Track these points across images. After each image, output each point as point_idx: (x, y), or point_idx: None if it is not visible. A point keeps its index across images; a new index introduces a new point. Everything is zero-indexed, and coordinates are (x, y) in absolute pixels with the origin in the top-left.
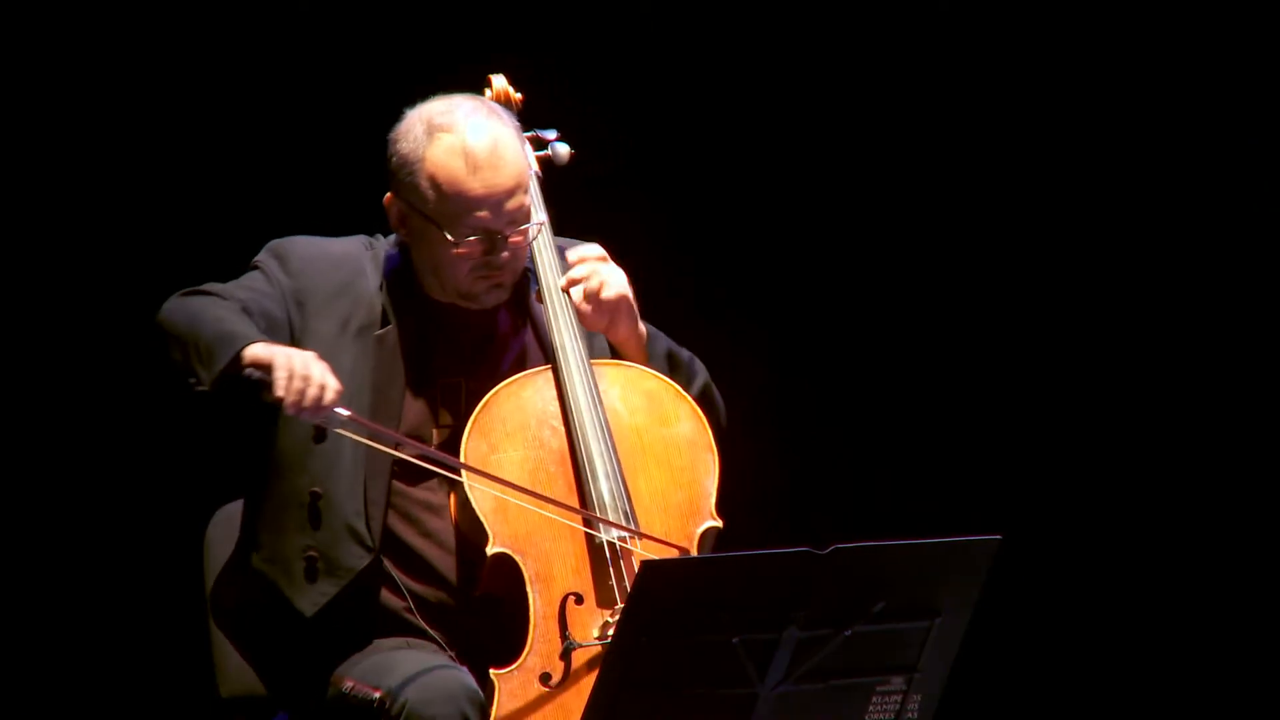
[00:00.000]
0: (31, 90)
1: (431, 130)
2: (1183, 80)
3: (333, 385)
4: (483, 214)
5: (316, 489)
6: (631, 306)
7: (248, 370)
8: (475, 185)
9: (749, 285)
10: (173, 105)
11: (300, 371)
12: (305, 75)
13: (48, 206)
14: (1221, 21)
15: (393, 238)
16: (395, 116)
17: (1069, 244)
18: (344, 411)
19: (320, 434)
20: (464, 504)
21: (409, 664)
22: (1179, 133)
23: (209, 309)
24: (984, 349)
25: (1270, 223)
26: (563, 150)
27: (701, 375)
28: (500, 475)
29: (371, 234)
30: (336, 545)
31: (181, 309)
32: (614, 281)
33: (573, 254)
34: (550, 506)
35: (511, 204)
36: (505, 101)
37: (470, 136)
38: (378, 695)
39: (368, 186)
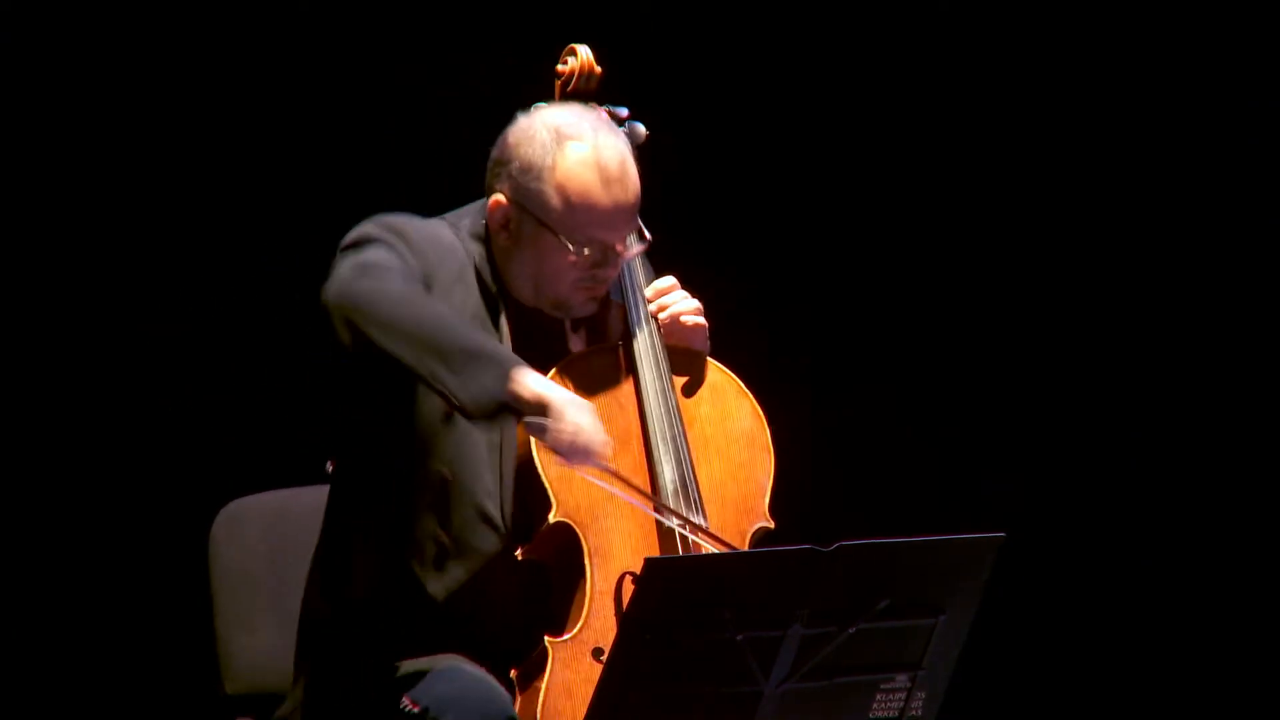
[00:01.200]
0: (30, 90)
1: (561, 138)
2: (1183, 80)
3: (603, 438)
4: (606, 228)
5: (446, 472)
6: (706, 338)
7: (528, 419)
8: (605, 199)
9: (749, 284)
10: (196, 101)
11: (581, 423)
12: (313, 72)
13: (48, 203)
14: (1221, 21)
15: (469, 226)
16: (408, 110)
17: (1069, 243)
18: (606, 465)
19: (449, 415)
20: (528, 467)
21: (450, 681)
22: (1179, 133)
23: (428, 302)
24: (988, 348)
25: (1270, 223)
26: (640, 130)
27: None
28: None
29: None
30: (467, 529)
31: (393, 295)
32: (696, 310)
33: (657, 285)
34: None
35: (631, 221)
36: (588, 74)
37: (604, 150)
38: (415, 710)
39: (382, 180)
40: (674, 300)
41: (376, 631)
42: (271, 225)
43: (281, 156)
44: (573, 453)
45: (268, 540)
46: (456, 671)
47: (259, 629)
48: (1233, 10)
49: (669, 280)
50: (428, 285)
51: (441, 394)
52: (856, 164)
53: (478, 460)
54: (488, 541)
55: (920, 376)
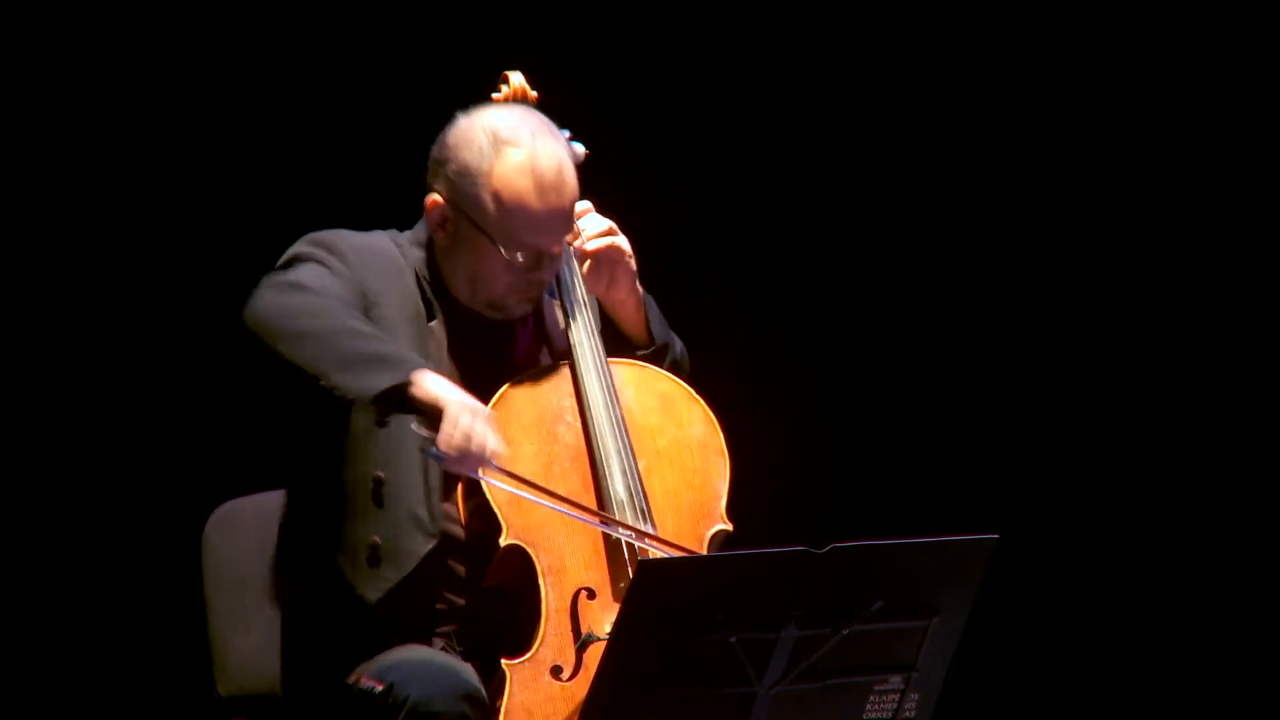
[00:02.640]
0: (32, 88)
1: (498, 143)
2: (1183, 80)
3: (494, 445)
4: (540, 234)
5: (380, 474)
6: (630, 259)
7: (415, 422)
8: (539, 207)
9: (747, 283)
10: (180, 100)
11: (466, 428)
12: (307, 72)
13: (47, 202)
14: (1221, 21)
15: (411, 235)
16: (388, 114)
17: (1067, 244)
18: (498, 469)
19: (383, 420)
20: (475, 495)
21: (413, 659)
22: (1179, 133)
23: (340, 315)
24: (983, 348)
25: (1270, 223)
26: (578, 150)
27: (680, 347)
28: (513, 469)
29: (375, 228)
30: (401, 532)
31: (304, 309)
32: (609, 231)
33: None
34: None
35: (566, 227)
36: (522, 99)
37: (540, 157)
38: (380, 688)
39: (382, 181)
40: (584, 226)
41: (329, 640)
42: (268, 225)
43: (286, 155)
44: (459, 458)
45: (261, 541)
46: (416, 650)
47: (252, 630)
48: (1233, 10)
49: (583, 204)
50: (362, 292)
51: (331, 390)
52: (857, 168)
53: (410, 463)
54: (418, 543)
55: (918, 377)
